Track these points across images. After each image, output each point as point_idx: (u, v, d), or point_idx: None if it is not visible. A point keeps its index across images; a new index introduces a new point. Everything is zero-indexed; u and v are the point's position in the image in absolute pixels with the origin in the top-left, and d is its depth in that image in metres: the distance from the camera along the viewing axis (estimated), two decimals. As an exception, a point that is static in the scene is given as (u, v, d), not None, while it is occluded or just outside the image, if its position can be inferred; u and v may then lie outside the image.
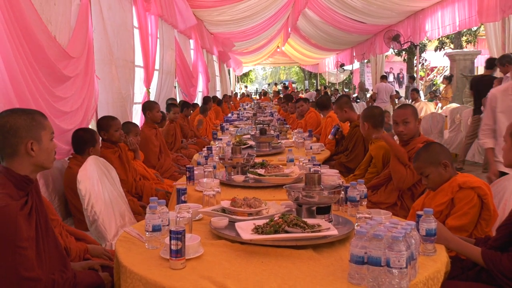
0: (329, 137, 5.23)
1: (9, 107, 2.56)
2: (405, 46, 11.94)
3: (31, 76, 2.92)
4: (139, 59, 6.11)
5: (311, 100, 10.00)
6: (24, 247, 1.70)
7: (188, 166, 3.33)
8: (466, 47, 16.90)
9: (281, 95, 15.98)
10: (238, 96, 22.36)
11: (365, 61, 17.99)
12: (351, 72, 23.23)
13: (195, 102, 10.20)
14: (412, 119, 3.31)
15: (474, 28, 15.86)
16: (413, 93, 10.67)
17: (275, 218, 2.09)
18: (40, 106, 2.98)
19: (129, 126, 4.50)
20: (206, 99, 10.02)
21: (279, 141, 5.22)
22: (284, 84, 28.63)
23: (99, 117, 4.37)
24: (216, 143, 5.02)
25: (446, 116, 8.73)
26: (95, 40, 4.46)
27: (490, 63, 7.05)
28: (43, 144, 1.90)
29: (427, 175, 2.47)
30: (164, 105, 7.13)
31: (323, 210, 2.24)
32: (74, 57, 3.63)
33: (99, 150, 3.64)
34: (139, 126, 4.90)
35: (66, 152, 3.60)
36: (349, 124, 4.93)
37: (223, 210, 2.35)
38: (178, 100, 8.52)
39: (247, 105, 16.18)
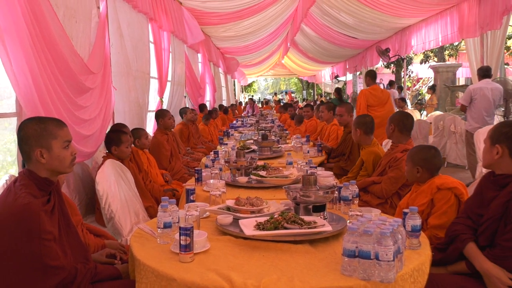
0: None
1: (33, 114, 2.57)
2: (393, 59, 11.95)
3: (53, 86, 2.91)
4: (153, 71, 6.15)
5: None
6: (48, 239, 1.71)
7: (196, 168, 3.33)
8: (449, 60, 16.89)
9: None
10: (243, 105, 22.41)
11: (358, 73, 17.95)
12: (345, 83, 23.19)
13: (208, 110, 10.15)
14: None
15: (456, 43, 15.85)
16: (400, 101, 10.66)
17: (275, 216, 2.09)
18: (61, 114, 2.97)
19: (139, 131, 4.33)
20: (211, 111, 9.99)
21: (279, 145, 5.21)
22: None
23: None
24: (222, 147, 5.02)
25: (430, 123, 8.72)
26: (114, 54, 4.47)
27: None
28: (54, 152, 1.84)
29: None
30: (175, 113, 7.15)
31: (319, 208, 2.23)
32: (94, 71, 3.64)
33: (125, 151, 3.49)
34: (152, 132, 4.86)
35: (87, 155, 3.60)
36: (343, 129, 4.92)
37: (228, 209, 2.35)
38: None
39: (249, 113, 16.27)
